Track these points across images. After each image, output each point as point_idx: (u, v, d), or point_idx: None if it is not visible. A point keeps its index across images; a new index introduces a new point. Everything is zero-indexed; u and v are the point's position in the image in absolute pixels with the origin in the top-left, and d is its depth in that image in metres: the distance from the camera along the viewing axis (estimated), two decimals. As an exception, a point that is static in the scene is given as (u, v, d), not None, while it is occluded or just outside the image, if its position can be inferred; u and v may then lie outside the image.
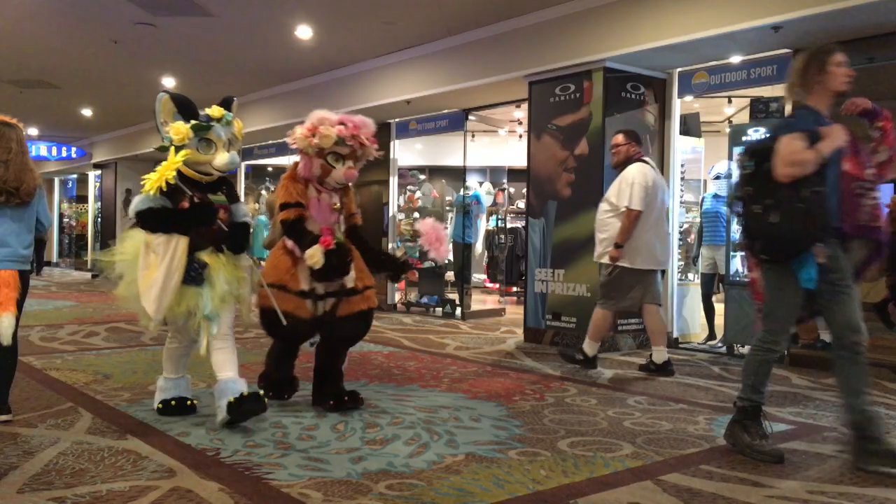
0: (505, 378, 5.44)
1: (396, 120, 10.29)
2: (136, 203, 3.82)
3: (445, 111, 9.69)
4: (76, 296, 12.28)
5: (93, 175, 18.90)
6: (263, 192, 13.88)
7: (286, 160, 11.89)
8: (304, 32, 8.32)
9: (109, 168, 17.14)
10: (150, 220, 3.79)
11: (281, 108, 11.36)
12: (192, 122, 3.89)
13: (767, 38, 6.02)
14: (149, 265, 3.78)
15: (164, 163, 3.80)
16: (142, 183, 3.82)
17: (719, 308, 7.27)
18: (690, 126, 7.66)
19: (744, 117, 8.61)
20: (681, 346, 7.19)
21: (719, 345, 7.05)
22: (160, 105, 3.93)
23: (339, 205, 4.37)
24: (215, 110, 3.97)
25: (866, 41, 5.87)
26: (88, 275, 17.93)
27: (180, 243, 3.76)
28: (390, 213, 10.46)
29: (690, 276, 7.58)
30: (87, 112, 14.04)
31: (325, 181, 4.29)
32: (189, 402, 4.19)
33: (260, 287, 4.17)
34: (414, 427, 3.99)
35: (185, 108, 3.95)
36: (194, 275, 3.82)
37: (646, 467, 3.37)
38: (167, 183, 3.76)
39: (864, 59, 6.00)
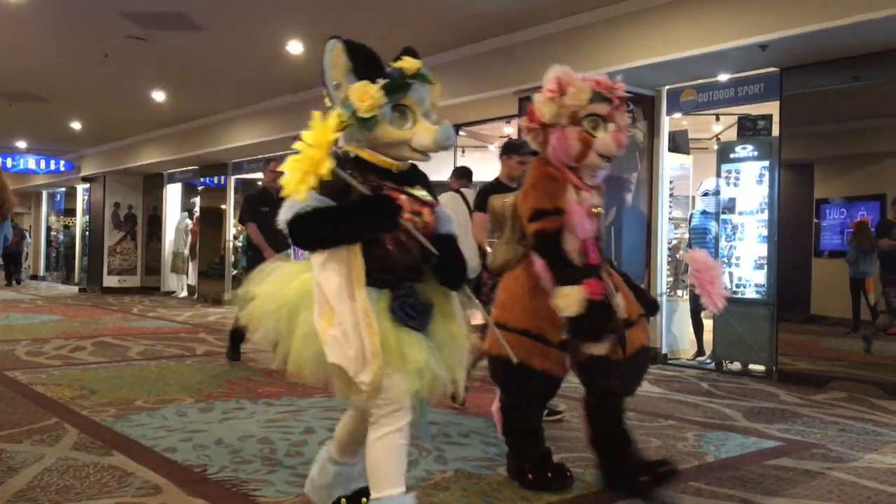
0: (494, 393, 5.41)
1: (387, 135, 10.29)
2: (285, 212, 2.43)
3: (436, 126, 9.70)
4: (63, 310, 12.19)
5: (81, 188, 18.83)
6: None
7: (276, 174, 11.84)
8: (294, 48, 8.34)
9: (98, 181, 17.07)
10: (304, 233, 2.43)
11: (272, 122, 11.36)
12: (383, 81, 2.45)
13: (754, 56, 6.08)
14: (330, 307, 2.38)
15: (307, 137, 2.34)
16: (278, 178, 2.52)
17: (708, 324, 7.29)
18: (679, 143, 7.73)
19: (731, 135, 8.67)
20: (670, 362, 7.20)
21: (708, 361, 7.07)
22: (331, 57, 2.50)
23: (600, 209, 3.26)
24: (409, 62, 2.51)
25: (852, 60, 5.94)
26: (75, 289, 17.82)
27: (353, 258, 2.39)
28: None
29: (679, 292, 7.60)
30: (76, 125, 13.99)
31: (583, 165, 3.13)
32: (365, 501, 2.65)
33: (499, 329, 2.96)
34: (403, 443, 3.97)
35: (365, 61, 2.52)
36: (412, 313, 2.44)
37: (635, 484, 3.36)
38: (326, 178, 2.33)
39: (850, 78, 6.08)
